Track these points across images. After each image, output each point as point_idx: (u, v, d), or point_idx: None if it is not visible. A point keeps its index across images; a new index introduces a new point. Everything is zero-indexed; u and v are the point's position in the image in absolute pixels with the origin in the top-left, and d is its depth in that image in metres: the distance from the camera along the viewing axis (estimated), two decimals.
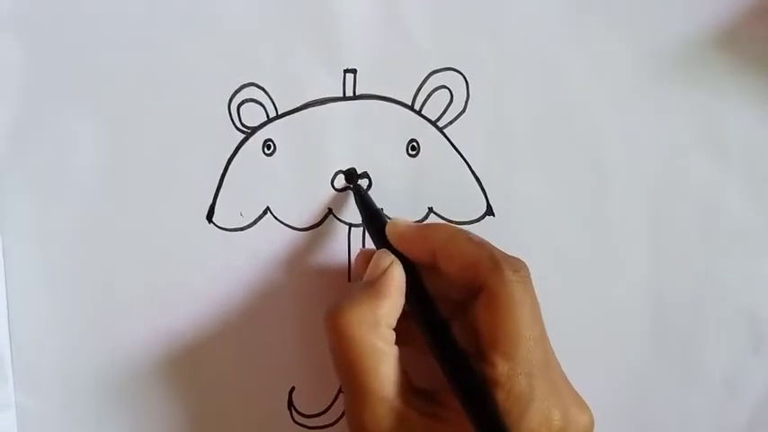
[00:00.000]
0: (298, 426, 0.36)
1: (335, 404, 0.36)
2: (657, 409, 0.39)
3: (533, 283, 0.30)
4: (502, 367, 0.28)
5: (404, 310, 0.31)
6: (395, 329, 0.31)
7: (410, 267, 0.31)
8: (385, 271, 0.31)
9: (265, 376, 0.35)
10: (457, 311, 0.32)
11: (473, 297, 0.30)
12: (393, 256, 0.31)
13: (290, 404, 0.36)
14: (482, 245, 0.30)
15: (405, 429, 0.29)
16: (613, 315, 0.38)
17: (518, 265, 0.30)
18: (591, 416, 0.30)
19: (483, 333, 0.29)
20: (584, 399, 0.31)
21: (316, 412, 0.36)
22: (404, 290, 0.31)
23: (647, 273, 0.38)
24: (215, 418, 0.35)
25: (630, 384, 0.39)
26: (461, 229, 0.31)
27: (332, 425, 0.36)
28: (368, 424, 0.29)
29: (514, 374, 0.28)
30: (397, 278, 0.31)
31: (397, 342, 0.30)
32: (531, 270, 0.31)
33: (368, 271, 0.32)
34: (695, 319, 0.39)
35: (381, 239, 0.33)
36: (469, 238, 0.31)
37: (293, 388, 0.36)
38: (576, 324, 0.37)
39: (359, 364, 0.29)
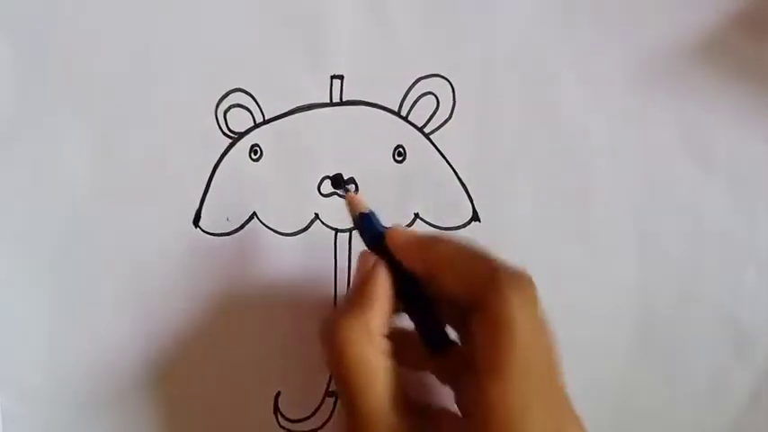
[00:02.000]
0: (284, 431, 0.36)
1: (321, 408, 0.36)
2: (642, 413, 0.39)
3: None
4: (495, 389, 0.27)
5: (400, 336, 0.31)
6: (393, 350, 0.30)
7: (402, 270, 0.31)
8: (370, 277, 0.30)
9: (251, 381, 0.35)
10: (454, 320, 0.31)
11: (472, 311, 0.29)
12: (375, 257, 0.31)
13: (276, 409, 0.36)
14: (486, 261, 0.29)
15: None
16: (598, 320, 0.38)
17: (522, 284, 0.28)
18: None
19: (478, 351, 0.28)
20: (584, 425, 0.30)
21: (301, 417, 0.36)
22: (390, 291, 0.30)
23: (632, 278, 0.38)
24: (201, 424, 0.35)
25: (615, 389, 0.39)
26: (466, 245, 0.30)
27: (318, 429, 0.36)
28: None
29: (508, 398, 0.27)
30: (383, 283, 0.30)
31: (396, 361, 0.30)
32: None
33: (354, 278, 0.32)
34: (680, 324, 0.39)
35: (373, 241, 0.32)
36: (474, 254, 0.29)
37: (279, 393, 0.36)
38: (561, 329, 0.37)
39: (356, 382, 0.29)
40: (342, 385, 0.29)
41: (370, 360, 0.29)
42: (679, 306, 0.39)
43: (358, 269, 0.31)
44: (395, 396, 0.29)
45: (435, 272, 0.30)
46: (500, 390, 0.27)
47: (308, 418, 0.36)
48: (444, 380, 0.32)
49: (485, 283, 0.28)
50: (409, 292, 0.31)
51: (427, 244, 0.30)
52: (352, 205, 0.32)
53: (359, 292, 0.30)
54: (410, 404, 0.30)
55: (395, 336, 0.30)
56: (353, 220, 0.32)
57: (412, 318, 0.31)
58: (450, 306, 0.31)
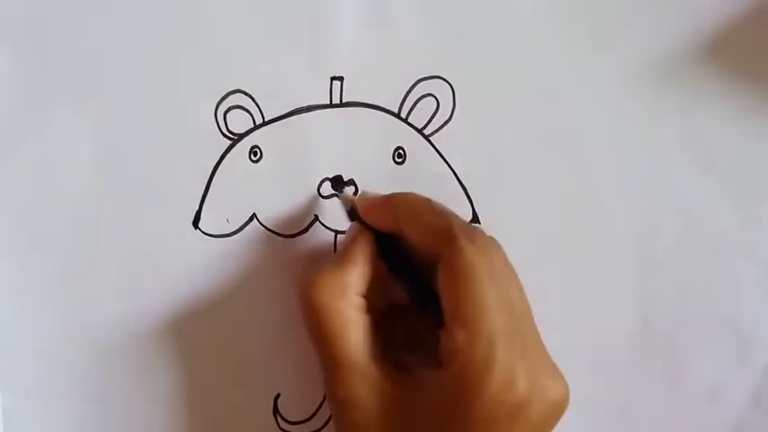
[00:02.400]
0: None
1: (321, 410, 0.36)
2: (643, 417, 0.39)
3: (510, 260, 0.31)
4: (459, 335, 0.28)
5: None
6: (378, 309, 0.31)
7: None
8: (350, 240, 0.32)
9: (251, 383, 0.35)
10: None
11: (436, 264, 0.30)
12: (361, 226, 0.32)
13: (276, 411, 0.36)
14: (442, 214, 0.31)
15: (374, 396, 0.30)
16: (599, 322, 0.38)
17: (475, 236, 0.30)
18: (564, 390, 0.30)
19: (443, 302, 0.29)
20: (560, 372, 0.30)
21: (302, 419, 0.36)
22: (372, 257, 0.31)
23: (632, 281, 0.38)
24: (200, 425, 0.35)
25: (616, 392, 0.39)
26: (425, 199, 0.31)
27: (318, 431, 0.36)
28: (339, 390, 0.30)
29: (473, 342, 0.28)
30: (363, 246, 0.32)
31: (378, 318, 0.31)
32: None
33: (341, 243, 0.33)
34: (680, 327, 0.39)
35: (351, 215, 0.33)
36: (432, 207, 0.31)
37: (279, 395, 0.36)
38: (561, 331, 0.37)
39: (328, 330, 0.30)
40: (313, 335, 0.31)
41: (342, 311, 0.30)
42: (679, 307, 0.39)
43: (344, 237, 0.33)
44: (369, 347, 0.30)
45: (402, 228, 0.31)
46: (463, 335, 0.28)
47: (307, 419, 0.36)
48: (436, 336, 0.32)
49: (442, 236, 0.30)
50: (392, 253, 0.32)
51: (391, 202, 0.32)
52: (344, 200, 0.34)
53: (337, 254, 0.32)
54: (388, 357, 0.31)
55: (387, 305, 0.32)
56: (347, 214, 0.33)
57: (397, 278, 0.32)
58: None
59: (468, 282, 0.28)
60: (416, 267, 0.31)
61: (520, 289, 0.31)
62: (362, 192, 0.34)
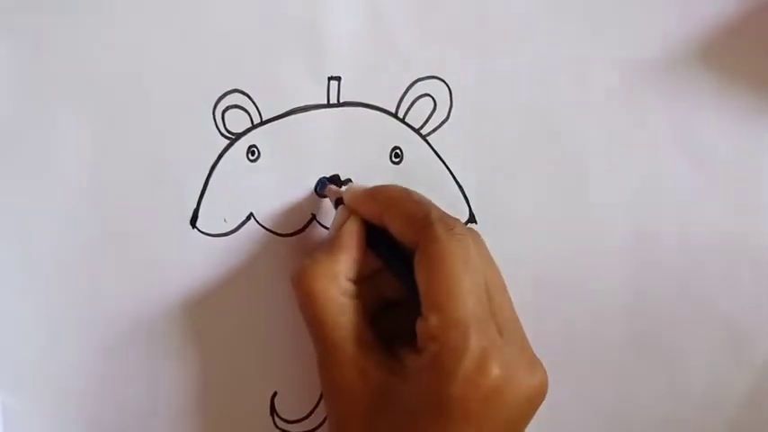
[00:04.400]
0: (280, 431, 0.36)
1: (318, 409, 0.36)
2: (639, 414, 0.39)
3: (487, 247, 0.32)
4: (433, 320, 0.29)
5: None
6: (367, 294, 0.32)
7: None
8: (339, 228, 0.33)
9: (248, 382, 0.35)
10: None
11: (414, 252, 0.31)
12: (349, 211, 0.33)
13: (273, 410, 0.36)
14: (421, 203, 0.31)
15: (361, 381, 0.30)
16: (594, 322, 0.38)
17: (452, 224, 0.30)
18: (541, 379, 0.30)
19: (420, 289, 0.30)
20: (539, 361, 0.30)
21: (298, 417, 0.36)
22: (361, 243, 0.32)
23: (628, 281, 0.38)
24: (197, 424, 0.35)
25: (610, 390, 0.39)
26: (406, 189, 0.32)
27: (314, 430, 0.36)
28: (327, 373, 0.31)
29: (446, 327, 0.28)
30: (352, 232, 0.32)
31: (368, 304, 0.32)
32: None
33: (330, 229, 0.34)
34: (676, 327, 0.39)
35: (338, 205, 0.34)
36: (411, 197, 0.32)
37: (275, 393, 0.36)
38: (556, 330, 0.38)
39: (320, 316, 0.31)
40: (309, 323, 0.31)
41: (332, 296, 0.31)
42: (675, 306, 0.39)
43: (332, 222, 0.33)
44: (358, 332, 0.31)
45: (384, 218, 0.32)
46: (437, 320, 0.29)
47: (304, 418, 0.36)
48: None
49: (419, 224, 0.30)
50: (380, 242, 0.32)
51: (374, 193, 0.32)
52: (330, 193, 0.35)
53: (327, 242, 0.33)
54: (378, 344, 0.31)
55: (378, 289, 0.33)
56: (334, 206, 0.34)
57: (390, 270, 0.32)
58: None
59: (442, 268, 0.29)
60: (407, 259, 0.32)
61: (499, 278, 0.31)
62: (349, 186, 0.34)
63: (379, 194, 0.32)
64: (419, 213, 0.31)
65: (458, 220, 0.31)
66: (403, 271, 0.31)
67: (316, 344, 0.31)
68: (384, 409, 0.30)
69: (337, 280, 0.31)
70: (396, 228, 0.31)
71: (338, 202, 0.34)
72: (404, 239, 0.31)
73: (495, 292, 0.31)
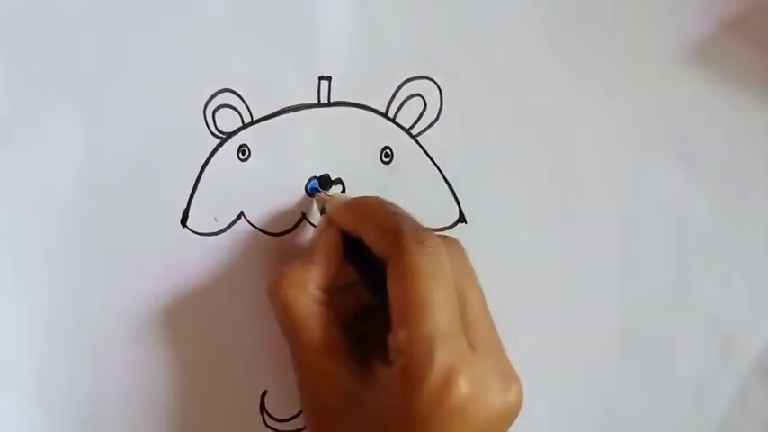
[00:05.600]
0: (270, 430, 0.36)
1: None
2: (627, 417, 0.39)
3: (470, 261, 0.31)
4: (401, 335, 0.28)
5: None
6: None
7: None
8: (316, 239, 0.33)
9: (237, 381, 0.35)
10: None
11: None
12: (328, 221, 0.33)
13: (263, 408, 0.36)
14: (394, 216, 0.31)
15: (332, 387, 0.31)
16: (583, 323, 0.38)
17: (422, 236, 0.30)
18: (515, 394, 0.29)
19: (390, 302, 0.30)
20: (515, 375, 0.30)
21: (288, 416, 0.36)
22: (336, 253, 0.32)
23: (617, 282, 0.38)
24: (187, 423, 0.35)
25: (600, 392, 0.39)
26: (382, 201, 0.32)
27: (304, 428, 0.36)
28: (300, 379, 0.32)
29: (413, 342, 0.28)
30: (327, 243, 0.32)
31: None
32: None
33: (310, 237, 0.34)
34: (665, 328, 0.39)
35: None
36: (384, 210, 0.32)
37: (265, 392, 0.36)
38: (546, 331, 0.38)
39: (292, 322, 0.31)
40: (281, 327, 0.32)
41: (301, 303, 0.31)
42: (663, 307, 0.39)
43: (314, 232, 0.34)
44: (329, 339, 0.31)
45: (359, 230, 0.32)
46: (404, 334, 0.28)
47: (294, 417, 0.36)
48: None
49: (390, 237, 0.30)
50: (357, 253, 0.32)
51: (351, 204, 0.33)
52: (317, 200, 0.35)
53: (304, 250, 0.34)
54: (353, 353, 0.31)
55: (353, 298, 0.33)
56: (320, 213, 0.34)
57: (365, 281, 0.33)
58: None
59: (410, 281, 0.29)
60: (381, 271, 0.31)
61: (476, 290, 0.31)
62: (332, 196, 0.34)
63: (355, 206, 0.33)
64: (390, 226, 0.30)
65: (429, 232, 0.30)
66: (377, 284, 0.31)
67: (289, 348, 0.32)
68: (353, 417, 0.30)
69: (308, 288, 0.32)
70: (369, 240, 0.31)
71: (324, 210, 0.34)
72: (377, 251, 0.31)
73: (470, 305, 0.30)
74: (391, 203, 0.32)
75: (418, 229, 0.30)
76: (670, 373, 0.39)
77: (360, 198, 0.33)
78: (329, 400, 0.31)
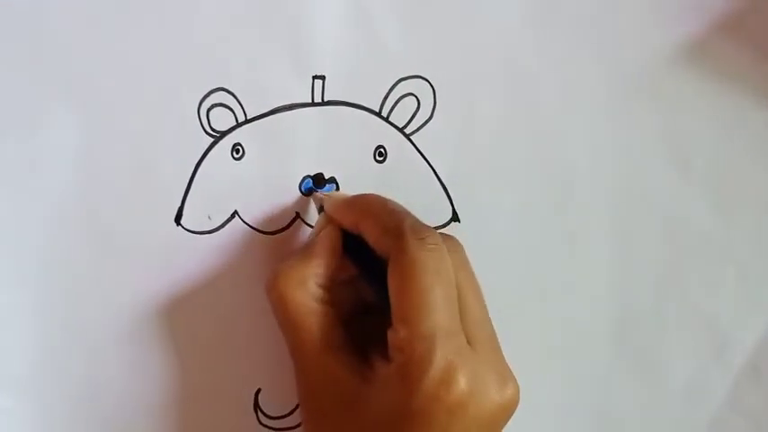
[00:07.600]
0: (264, 428, 0.36)
1: None
2: (619, 415, 0.40)
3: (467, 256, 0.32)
4: (401, 332, 0.29)
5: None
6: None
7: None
8: (315, 236, 0.33)
9: (231, 378, 0.36)
10: None
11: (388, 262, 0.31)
12: (328, 219, 0.33)
13: (257, 406, 0.36)
14: (396, 213, 0.31)
15: (331, 384, 0.31)
16: (576, 322, 0.38)
17: (424, 233, 0.30)
18: (512, 392, 0.30)
19: (391, 300, 0.30)
20: (512, 375, 0.30)
21: (282, 414, 0.36)
22: (335, 250, 0.32)
23: (610, 280, 0.39)
24: (181, 421, 0.35)
25: (592, 390, 0.39)
26: (382, 199, 0.32)
27: (298, 426, 0.37)
28: (299, 375, 0.32)
29: (413, 339, 0.28)
30: (326, 240, 0.32)
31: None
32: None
33: (309, 235, 0.34)
34: (658, 326, 0.39)
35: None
36: (386, 207, 0.32)
37: (259, 390, 0.36)
38: (538, 330, 0.38)
39: (290, 319, 0.31)
40: (279, 324, 0.32)
41: (299, 300, 0.31)
42: (657, 307, 0.39)
43: (312, 229, 0.34)
44: (328, 336, 0.31)
45: (359, 227, 0.32)
46: (404, 332, 0.29)
47: (288, 415, 0.36)
48: None
49: (392, 234, 0.30)
50: (358, 250, 0.32)
51: (351, 202, 0.33)
52: (314, 199, 0.35)
53: (301, 248, 0.33)
54: (353, 350, 0.31)
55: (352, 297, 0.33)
56: (318, 212, 0.34)
57: (366, 279, 0.33)
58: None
59: (411, 279, 0.29)
60: (382, 268, 0.32)
61: (474, 289, 0.31)
62: (330, 194, 0.34)
63: (356, 203, 0.33)
64: (392, 223, 0.31)
65: (431, 229, 0.31)
66: (378, 281, 0.31)
67: (288, 346, 0.32)
68: (352, 414, 0.30)
69: (307, 285, 0.31)
70: (370, 237, 0.31)
71: (322, 208, 0.34)
72: (378, 249, 0.31)
73: (469, 303, 0.31)
74: (392, 201, 0.32)
75: (420, 227, 0.31)
76: (663, 371, 0.40)
77: (360, 195, 0.33)
78: (328, 397, 0.31)
